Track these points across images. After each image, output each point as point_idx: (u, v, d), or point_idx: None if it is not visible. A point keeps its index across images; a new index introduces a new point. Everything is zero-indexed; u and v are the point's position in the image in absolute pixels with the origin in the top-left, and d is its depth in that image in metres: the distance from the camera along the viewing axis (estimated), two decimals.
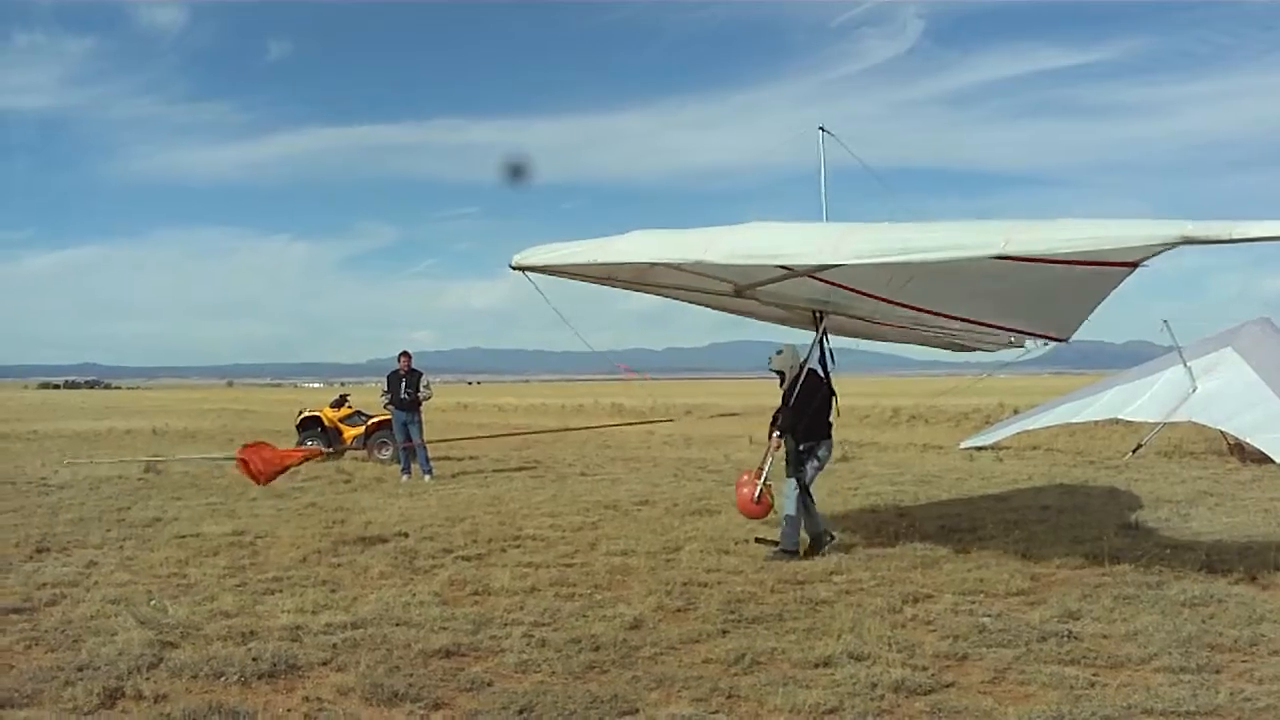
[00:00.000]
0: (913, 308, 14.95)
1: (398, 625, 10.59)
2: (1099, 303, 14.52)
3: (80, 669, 9.02)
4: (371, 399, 30.73)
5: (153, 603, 11.50)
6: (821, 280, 13.84)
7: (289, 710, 8.14)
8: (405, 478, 25.37)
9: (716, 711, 8.13)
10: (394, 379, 26.30)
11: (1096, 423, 30.96)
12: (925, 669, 9.04)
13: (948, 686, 8.68)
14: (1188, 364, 17.87)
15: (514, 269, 13.28)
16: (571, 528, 16.73)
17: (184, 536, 16.09)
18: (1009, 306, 15.11)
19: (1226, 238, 9.30)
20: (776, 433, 15.01)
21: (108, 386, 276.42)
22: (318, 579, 12.94)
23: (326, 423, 31.20)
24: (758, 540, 15.01)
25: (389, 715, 8.06)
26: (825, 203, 15.29)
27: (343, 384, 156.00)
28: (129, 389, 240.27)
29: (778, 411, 15.23)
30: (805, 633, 10.28)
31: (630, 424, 39.77)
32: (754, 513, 15.03)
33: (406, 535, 16.08)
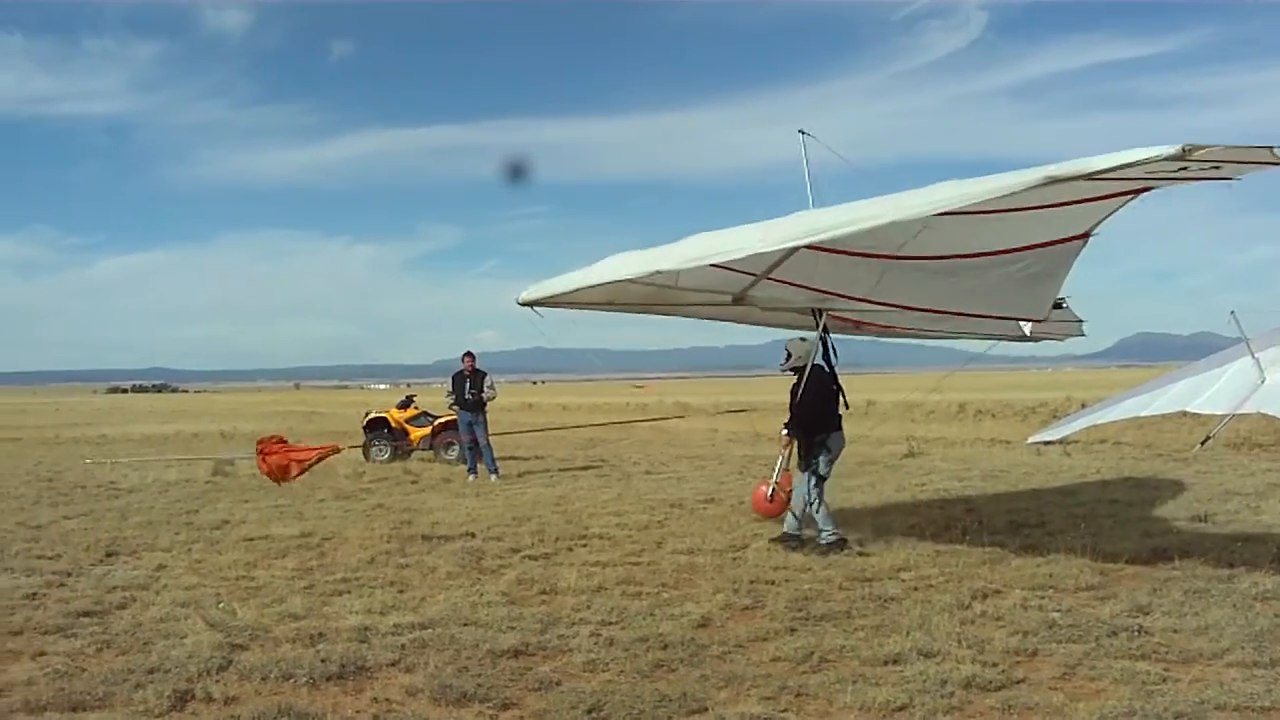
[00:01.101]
0: (894, 305, 15.70)
1: (466, 625, 10.60)
2: (1064, 278, 14.86)
3: (150, 671, 9.06)
4: (437, 400, 30.77)
5: (221, 605, 11.57)
6: (786, 283, 15.01)
7: (358, 712, 8.17)
8: (472, 478, 25.49)
9: (785, 710, 8.10)
10: (459, 379, 26.36)
11: (1164, 416, 30.71)
12: (995, 665, 8.99)
13: (1018, 683, 8.63)
14: (1256, 355, 17.65)
15: (521, 305, 14.34)
16: (638, 526, 16.72)
17: (252, 539, 16.18)
18: (982, 295, 15.47)
19: (1085, 172, 9.80)
20: (785, 431, 15.40)
21: (175, 390, 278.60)
22: (386, 580, 12.98)
23: (393, 424, 31.32)
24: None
25: (458, 715, 8.07)
26: (811, 203, 15.45)
27: (409, 385, 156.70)
28: (196, 392, 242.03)
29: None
30: (874, 630, 10.24)
31: (630, 421, 39.82)
32: (768, 510, 15.64)
33: (473, 535, 16.11)
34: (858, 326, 17.64)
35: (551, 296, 14.51)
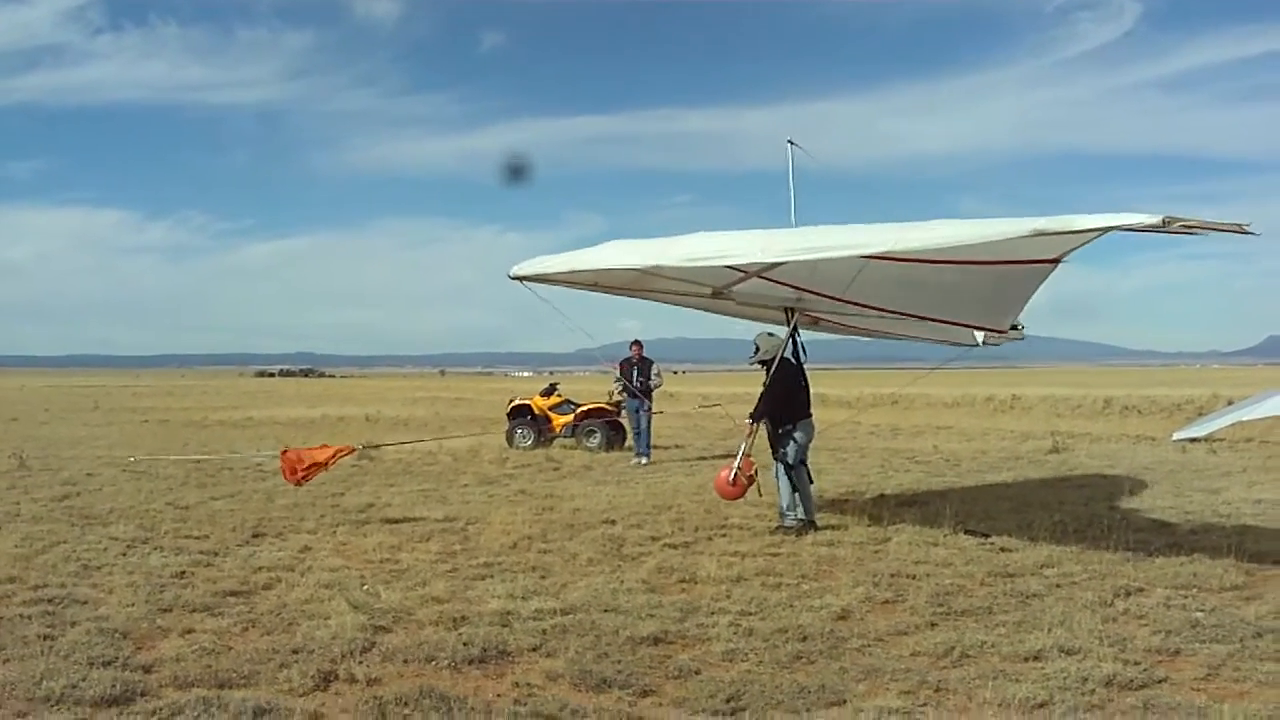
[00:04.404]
0: (866, 305, 16.40)
1: (606, 612, 10.66)
2: (1032, 294, 15.47)
3: (295, 651, 9.21)
4: (579, 387, 30.94)
5: (365, 587, 11.72)
6: (780, 282, 15.65)
7: (499, 695, 8.24)
8: (644, 460, 26.40)
9: (925, 704, 8.07)
10: (626, 366, 26.85)
11: None
12: (1137, 664, 8.90)
13: (1160, 682, 8.54)
14: None
15: (512, 279, 14.92)
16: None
17: (396, 522, 16.41)
18: (952, 304, 16.14)
19: (1068, 229, 10.67)
20: (749, 419, 16.02)
21: (322, 374, 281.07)
22: (527, 565, 13.09)
23: (536, 411, 31.64)
24: (966, 531, 14.93)
25: (597, 701, 8.11)
26: (794, 209, 16.10)
27: (551, 373, 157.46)
28: (343, 377, 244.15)
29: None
30: (1015, 626, 10.18)
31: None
32: (729, 494, 16.04)
33: (614, 522, 16.22)
34: (815, 323, 18.23)
35: (544, 274, 15.11)
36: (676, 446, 30.39)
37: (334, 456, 17.41)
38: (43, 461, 25.63)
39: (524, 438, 30.91)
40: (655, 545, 14.45)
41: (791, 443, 15.96)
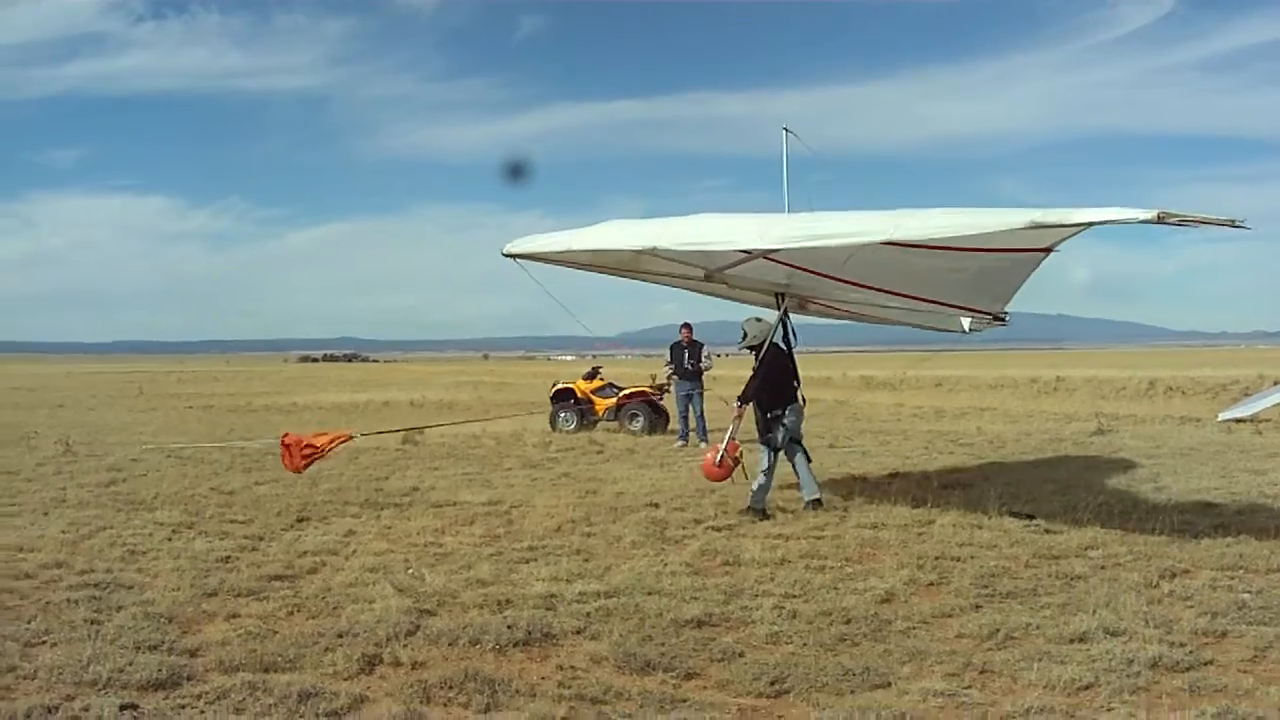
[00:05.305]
0: (859, 285, 16.42)
1: (650, 595, 10.66)
2: (1023, 281, 15.93)
3: (340, 635, 9.25)
4: (622, 371, 30.95)
5: (410, 571, 11.77)
6: (777, 261, 15.43)
7: (543, 678, 8.26)
8: (681, 444, 26.49)
9: (969, 686, 8.06)
10: (676, 350, 27.11)
11: None
12: (1183, 646, 8.86)
13: (1206, 664, 8.49)
14: None
15: (505, 256, 14.78)
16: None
17: (441, 505, 16.45)
18: (945, 287, 16.37)
19: (1068, 222, 11.10)
20: (738, 402, 16.12)
21: (365, 360, 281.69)
22: (571, 548, 13.09)
23: (579, 394, 31.71)
24: (1011, 513, 14.86)
25: (641, 684, 8.11)
26: (787, 195, 16.25)
27: (594, 356, 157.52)
28: (386, 362, 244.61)
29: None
30: (1060, 608, 10.15)
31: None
32: (715, 475, 16.25)
33: (657, 505, 16.18)
34: (803, 306, 18.29)
35: (538, 253, 15.00)
36: (719, 430, 30.38)
37: (331, 443, 17.44)
38: (88, 447, 25.76)
39: (567, 421, 31.07)
40: (699, 528, 14.44)
41: (781, 428, 16.05)
